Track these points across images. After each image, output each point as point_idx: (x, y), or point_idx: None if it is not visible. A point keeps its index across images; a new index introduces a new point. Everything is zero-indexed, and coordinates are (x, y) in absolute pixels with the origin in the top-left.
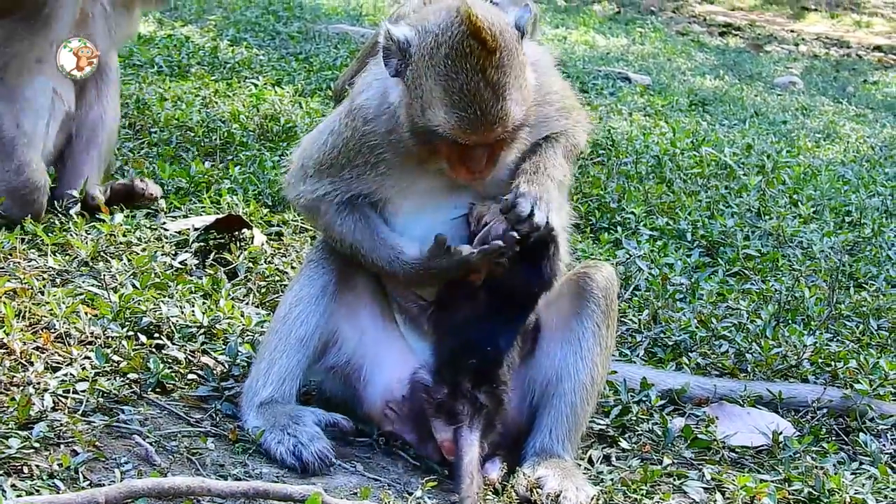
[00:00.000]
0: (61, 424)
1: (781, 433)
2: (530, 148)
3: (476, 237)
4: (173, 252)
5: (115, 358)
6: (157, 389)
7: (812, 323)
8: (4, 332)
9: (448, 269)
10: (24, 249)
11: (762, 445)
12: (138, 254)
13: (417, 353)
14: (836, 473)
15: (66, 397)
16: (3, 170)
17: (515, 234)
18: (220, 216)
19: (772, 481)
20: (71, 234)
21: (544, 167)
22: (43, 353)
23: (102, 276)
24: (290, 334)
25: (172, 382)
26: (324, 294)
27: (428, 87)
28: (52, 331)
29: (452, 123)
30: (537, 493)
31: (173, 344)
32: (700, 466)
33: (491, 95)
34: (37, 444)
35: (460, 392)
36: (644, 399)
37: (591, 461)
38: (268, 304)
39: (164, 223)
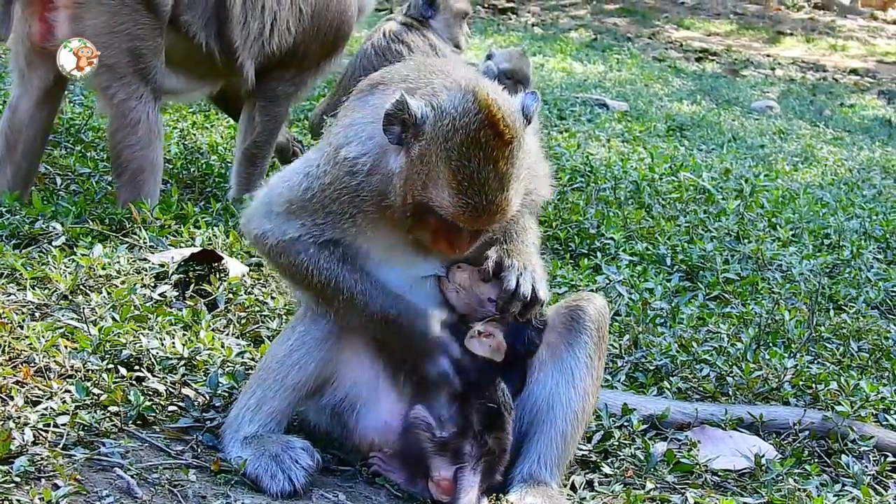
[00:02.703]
0: (42, 458)
1: (763, 456)
2: None
3: (454, 304)
4: (153, 284)
5: (96, 391)
6: (138, 422)
7: (792, 345)
8: None
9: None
10: (2, 284)
11: (745, 468)
12: (117, 286)
13: (409, 393)
14: (818, 495)
15: (47, 431)
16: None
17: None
18: (195, 250)
19: None
20: (50, 268)
21: (518, 234)
22: (23, 387)
23: (82, 310)
24: (287, 377)
25: (153, 415)
26: (328, 338)
27: (437, 166)
28: (32, 365)
29: (456, 208)
30: None
31: (154, 376)
32: (683, 490)
33: (497, 186)
34: (18, 479)
35: (470, 432)
36: (626, 424)
37: (574, 487)
38: (248, 334)
39: (144, 256)
